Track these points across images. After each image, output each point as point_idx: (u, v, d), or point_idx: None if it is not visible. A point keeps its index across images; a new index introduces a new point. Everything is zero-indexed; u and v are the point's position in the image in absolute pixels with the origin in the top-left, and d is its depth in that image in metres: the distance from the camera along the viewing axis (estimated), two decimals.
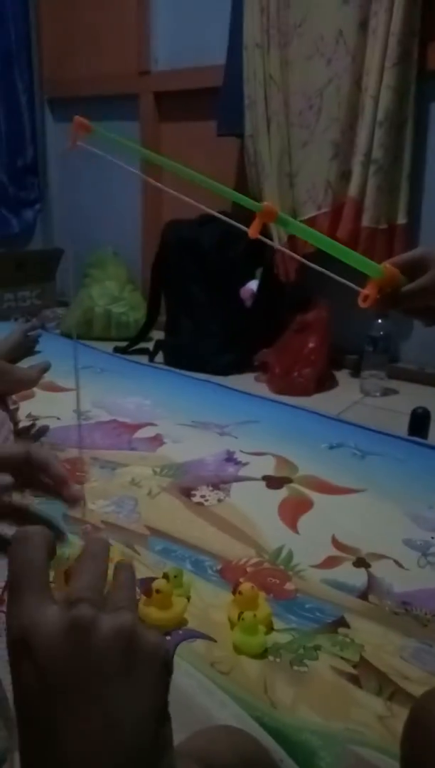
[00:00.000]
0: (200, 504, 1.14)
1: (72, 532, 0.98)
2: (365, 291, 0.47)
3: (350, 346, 1.89)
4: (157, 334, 2.13)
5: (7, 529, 0.68)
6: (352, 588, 0.91)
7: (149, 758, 0.29)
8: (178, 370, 1.93)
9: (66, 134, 2.73)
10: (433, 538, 1.05)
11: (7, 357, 1.65)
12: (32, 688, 0.28)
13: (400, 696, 0.72)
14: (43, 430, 1.43)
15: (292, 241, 1.73)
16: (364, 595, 0.90)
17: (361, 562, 0.98)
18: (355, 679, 0.74)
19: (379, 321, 1.72)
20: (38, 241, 2.80)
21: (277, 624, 0.83)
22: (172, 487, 1.19)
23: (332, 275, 0.48)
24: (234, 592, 0.85)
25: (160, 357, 2.04)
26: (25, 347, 1.88)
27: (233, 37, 1.86)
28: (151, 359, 2.04)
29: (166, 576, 0.85)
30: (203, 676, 0.74)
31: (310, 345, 1.78)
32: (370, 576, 0.94)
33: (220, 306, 1.92)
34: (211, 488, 1.20)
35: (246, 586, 0.83)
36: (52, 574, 0.39)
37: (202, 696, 0.71)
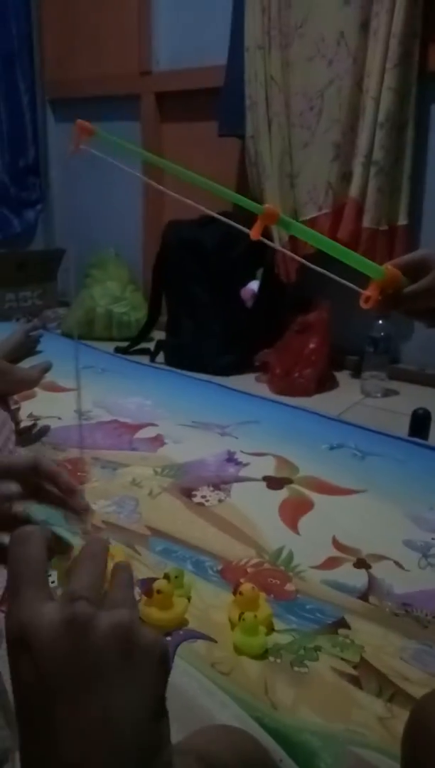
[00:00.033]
0: (201, 504, 1.14)
1: (73, 532, 0.98)
2: (367, 292, 0.47)
3: (351, 347, 1.89)
4: (158, 335, 2.13)
5: (7, 539, 0.68)
6: (352, 589, 0.91)
7: (147, 753, 0.29)
8: (179, 371, 1.93)
9: (68, 135, 2.73)
10: (433, 539, 1.05)
11: (8, 357, 1.64)
12: (31, 684, 0.29)
13: (400, 697, 0.72)
14: (45, 430, 1.44)
15: (293, 242, 1.73)
16: (364, 596, 0.90)
17: (361, 563, 0.98)
18: (355, 680, 0.74)
19: (380, 322, 1.72)
20: (39, 242, 2.80)
21: (278, 625, 0.83)
22: (172, 488, 1.19)
23: (333, 276, 0.48)
24: (234, 593, 0.85)
25: (161, 357, 2.05)
26: (27, 347, 1.87)
27: (234, 37, 1.86)
28: (152, 359, 2.05)
29: (166, 576, 0.85)
30: (204, 676, 0.74)
31: (311, 346, 1.78)
32: (371, 577, 0.94)
33: (221, 306, 1.92)
34: (211, 489, 1.20)
35: (246, 587, 0.83)
36: (54, 575, 0.40)
37: (202, 697, 0.71)
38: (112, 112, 2.41)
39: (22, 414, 1.50)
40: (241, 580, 0.89)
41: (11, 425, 1.30)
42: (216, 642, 0.80)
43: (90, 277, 2.32)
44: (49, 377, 1.52)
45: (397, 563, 0.98)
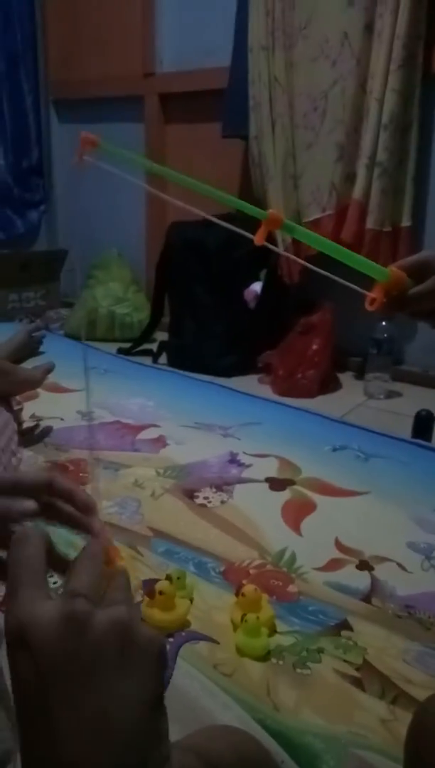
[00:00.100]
0: (203, 506, 1.14)
1: (75, 533, 0.98)
2: (372, 294, 0.47)
3: (354, 349, 1.89)
4: (161, 336, 2.13)
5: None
6: (355, 591, 0.91)
7: (144, 748, 0.30)
8: (181, 372, 1.93)
9: (71, 135, 2.74)
10: None
11: (11, 358, 1.65)
12: (30, 682, 0.29)
13: (403, 699, 0.72)
14: (47, 431, 1.44)
15: (296, 244, 1.73)
16: (367, 598, 0.90)
17: (364, 565, 0.97)
18: (358, 683, 0.74)
19: (383, 323, 1.72)
20: (43, 242, 2.81)
21: (280, 626, 0.83)
22: (175, 489, 1.19)
23: (337, 279, 0.48)
24: (237, 594, 0.85)
25: (163, 358, 2.04)
26: (30, 348, 1.88)
27: (238, 38, 1.86)
28: (155, 360, 2.05)
29: (169, 578, 0.85)
30: (206, 678, 0.74)
31: (314, 347, 1.78)
32: (374, 579, 0.94)
33: (223, 307, 1.92)
34: (214, 490, 1.20)
35: (249, 588, 0.83)
36: (55, 575, 0.40)
37: (205, 698, 0.71)
38: (116, 113, 2.42)
39: (25, 414, 1.50)
40: (244, 582, 0.89)
41: (14, 426, 1.30)
42: (218, 643, 0.80)
43: (93, 278, 2.32)
44: (51, 378, 1.52)
45: (400, 565, 0.98)
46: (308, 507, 1.15)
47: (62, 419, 1.50)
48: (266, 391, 1.79)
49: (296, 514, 1.12)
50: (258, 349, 1.89)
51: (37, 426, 1.47)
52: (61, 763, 0.28)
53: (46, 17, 2.58)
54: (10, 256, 2.55)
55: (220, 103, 1.94)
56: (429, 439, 1.43)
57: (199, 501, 1.15)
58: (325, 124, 1.73)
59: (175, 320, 2.05)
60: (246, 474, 1.27)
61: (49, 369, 1.48)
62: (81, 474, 1.24)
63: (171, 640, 0.79)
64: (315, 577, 0.94)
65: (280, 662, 0.77)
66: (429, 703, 0.55)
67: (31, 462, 1.28)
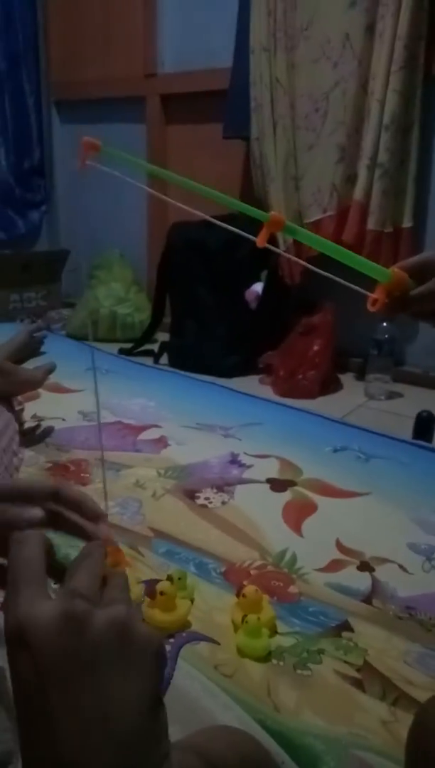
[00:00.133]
0: (204, 506, 1.14)
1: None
2: (374, 295, 0.47)
3: (355, 349, 1.89)
4: (162, 336, 2.13)
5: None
6: (356, 592, 0.91)
7: (144, 746, 0.30)
8: (182, 372, 1.93)
9: (73, 136, 2.74)
10: None
11: (12, 358, 1.65)
12: (28, 679, 0.29)
13: (404, 701, 0.72)
14: (48, 431, 1.44)
15: (298, 244, 1.73)
16: (368, 599, 0.90)
17: (365, 566, 0.97)
18: (358, 684, 0.74)
19: (384, 324, 1.72)
20: (44, 243, 2.81)
21: (281, 627, 0.83)
22: (176, 489, 1.19)
23: (338, 279, 0.48)
24: (238, 595, 0.85)
25: (164, 359, 2.05)
26: (31, 348, 1.88)
27: (240, 40, 1.86)
28: (156, 361, 2.05)
29: (170, 578, 0.85)
30: (206, 678, 0.74)
31: (315, 348, 1.78)
32: (374, 580, 0.94)
33: (225, 308, 1.92)
34: (215, 490, 1.20)
35: (250, 589, 0.83)
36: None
37: (205, 699, 0.71)
38: (117, 114, 2.42)
39: (27, 415, 1.51)
40: (245, 582, 0.89)
41: (15, 426, 1.30)
42: (219, 644, 0.80)
43: (94, 278, 2.33)
44: (53, 378, 1.52)
45: (400, 566, 0.98)
46: (309, 508, 1.15)
47: (63, 419, 1.50)
48: (267, 391, 1.79)
49: (297, 514, 1.12)
50: (259, 350, 1.89)
51: (38, 426, 1.47)
52: (62, 763, 0.28)
53: (47, 18, 2.59)
54: (12, 257, 2.55)
55: (222, 105, 1.94)
56: (430, 440, 1.43)
57: (200, 501, 1.15)
58: (327, 125, 1.73)
59: (177, 321, 2.05)
60: (247, 475, 1.27)
61: (51, 369, 1.48)
62: (82, 474, 1.24)
63: (172, 640, 0.79)
64: (316, 578, 0.94)
65: (281, 663, 0.77)
66: (430, 705, 0.55)
67: (32, 462, 1.29)
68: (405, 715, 0.69)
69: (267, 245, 0.46)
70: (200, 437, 1.45)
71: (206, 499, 1.17)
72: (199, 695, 0.71)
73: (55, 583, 0.39)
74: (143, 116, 2.34)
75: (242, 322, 1.91)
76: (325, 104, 1.72)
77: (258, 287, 1.90)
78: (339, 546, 1.03)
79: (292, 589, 0.91)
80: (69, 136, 2.68)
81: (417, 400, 1.67)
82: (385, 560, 0.99)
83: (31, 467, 1.26)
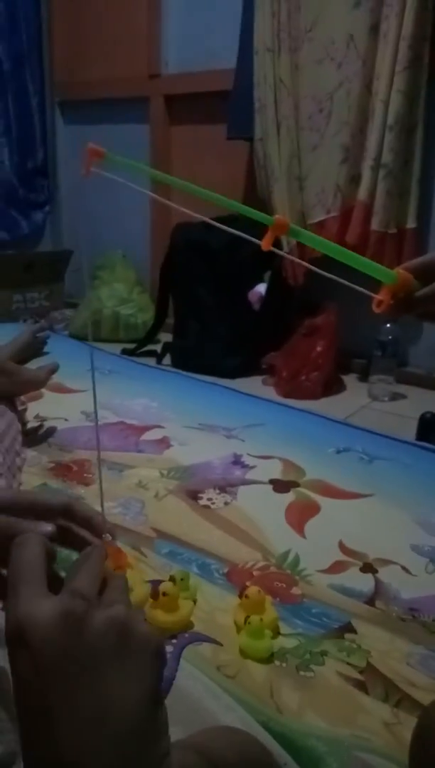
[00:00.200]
0: (207, 507, 1.14)
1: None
2: (379, 296, 0.47)
3: (358, 350, 1.89)
4: (165, 337, 2.13)
5: None
6: (359, 593, 0.91)
7: (142, 744, 0.30)
8: (185, 373, 1.93)
9: (76, 136, 2.75)
10: None
11: (15, 358, 1.65)
12: (28, 678, 0.29)
13: (407, 703, 0.71)
14: (51, 431, 1.44)
15: (301, 246, 1.72)
16: (371, 601, 0.89)
17: (368, 568, 0.97)
18: (361, 685, 0.74)
19: (388, 325, 1.71)
20: (47, 243, 2.81)
21: (284, 628, 0.83)
22: (178, 490, 1.19)
23: (342, 281, 0.48)
24: (240, 596, 0.85)
25: (167, 359, 2.05)
26: (34, 348, 1.89)
27: (244, 40, 1.86)
28: (159, 361, 2.05)
29: (172, 579, 0.85)
30: (209, 679, 0.73)
31: (318, 349, 1.78)
32: (377, 581, 0.94)
33: (228, 309, 1.92)
34: (217, 491, 1.20)
35: (252, 590, 0.83)
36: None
37: (208, 700, 0.70)
38: (121, 115, 2.42)
39: (29, 415, 1.51)
40: (247, 583, 0.89)
41: (18, 426, 1.31)
42: (221, 645, 0.79)
43: (97, 278, 2.33)
44: (55, 378, 1.52)
45: (404, 568, 0.97)
46: (312, 509, 1.15)
47: (66, 420, 1.50)
48: (270, 392, 1.79)
49: (300, 516, 1.12)
50: (262, 351, 1.89)
51: (41, 426, 1.47)
52: (62, 761, 0.28)
53: (51, 18, 2.59)
54: (15, 257, 2.55)
55: (225, 105, 1.94)
56: (433, 442, 1.43)
57: (203, 502, 1.15)
58: (331, 125, 1.73)
59: (180, 321, 2.05)
60: (250, 475, 1.27)
61: (53, 369, 1.48)
62: (85, 475, 1.24)
63: (174, 641, 0.79)
64: (319, 580, 0.94)
65: (284, 664, 0.77)
66: (433, 707, 0.55)
67: (35, 462, 1.29)
68: (408, 717, 0.69)
69: (272, 248, 0.45)
70: (203, 438, 1.45)
71: (209, 499, 1.16)
72: (202, 696, 0.71)
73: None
74: (147, 117, 2.34)
75: (245, 323, 1.91)
76: (329, 105, 1.72)
77: (261, 288, 1.90)
78: (342, 547, 1.02)
79: (295, 590, 0.91)
80: (72, 136, 2.69)
81: (420, 402, 1.67)
82: (388, 562, 0.99)
83: (34, 467, 1.26)
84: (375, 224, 1.69)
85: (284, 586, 0.92)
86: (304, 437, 1.45)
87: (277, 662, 0.77)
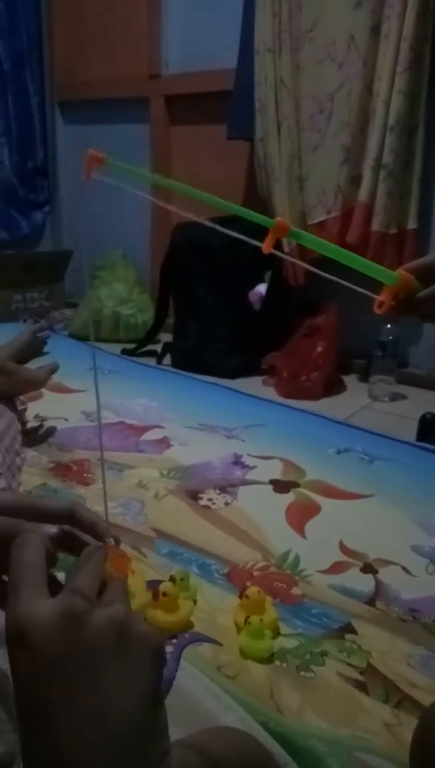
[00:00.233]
0: (207, 507, 1.14)
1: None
2: (380, 297, 0.47)
3: (359, 351, 1.88)
4: (165, 337, 2.13)
5: None
6: (359, 594, 0.91)
7: (142, 743, 0.30)
8: (185, 373, 1.93)
9: (76, 137, 2.74)
10: None
11: (15, 358, 1.65)
12: (28, 677, 0.29)
13: (407, 704, 0.71)
14: (51, 431, 1.44)
15: (301, 246, 1.72)
16: (371, 602, 0.89)
17: (368, 568, 0.97)
18: (361, 686, 0.74)
19: (388, 326, 1.71)
20: (47, 243, 2.81)
21: (284, 629, 0.82)
22: (179, 490, 1.19)
23: (343, 282, 0.48)
24: (240, 596, 0.85)
25: (167, 359, 2.05)
26: (34, 348, 1.89)
27: (244, 40, 1.86)
28: (159, 361, 2.05)
29: (172, 579, 0.85)
30: (209, 679, 0.73)
31: (319, 349, 1.78)
32: (378, 582, 0.94)
33: (228, 309, 1.92)
34: (218, 491, 1.20)
35: (253, 590, 0.83)
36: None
37: (208, 700, 0.70)
38: (121, 115, 2.42)
39: (29, 415, 1.51)
40: (247, 584, 0.89)
41: (18, 426, 1.31)
42: (222, 645, 0.79)
43: (97, 278, 2.33)
44: (55, 378, 1.52)
45: (404, 568, 0.97)
46: (312, 509, 1.15)
47: (66, 419, 1.50)
48: (270, 392, 1.79)
49: (300, 516, 1.12)
50: (262, 351, 1.89)
51: (41, 426, 1.47)
52: (61, 761, 0.28)
53: (51, 18, 2.59)
54: (15, 257, 2.55)
55: (226, 105, 1.94)
56: (434, 443, 1.42)
57: (203, 502, 1.15)
58: (331, 126, 1.73)
59: (180, 321, 2.05)
60: (250, 476, 1.27)
61: (53, 369, 1.48)
62: (84, 475, 1.24)
63: (174, 641, 0.79)
64: (319, 580, 0.94)
65: (284, 665, 0.77)
66: (434, 708, 0.55)
67: (34, 462, 1.28)
68: (408, 718, 0.69)
69: (273, 251, 0.45)
70: (203, 438, 1.45)
71: (209, 500, 1.16)
72: (202, 696, 0.71)
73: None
74: (147, 117, 2.34)
75: (245, 323, 1.91)
76: (330, 105, 1.72)
77: (262, 288, 1.90)
78: (342, 548, 1.02)
79: (295, 590, 0.91)
80: (72, 136, 2.69)
81: (421, 402, 1.67)
82: (388, 562, 0.99)
83: (34, 467, 1.26)
84: (376, 225, 1.69)
85: (284, 586, 0.92)
86: (305, 437, 1.45)
87: (277, 663, 0.77)
